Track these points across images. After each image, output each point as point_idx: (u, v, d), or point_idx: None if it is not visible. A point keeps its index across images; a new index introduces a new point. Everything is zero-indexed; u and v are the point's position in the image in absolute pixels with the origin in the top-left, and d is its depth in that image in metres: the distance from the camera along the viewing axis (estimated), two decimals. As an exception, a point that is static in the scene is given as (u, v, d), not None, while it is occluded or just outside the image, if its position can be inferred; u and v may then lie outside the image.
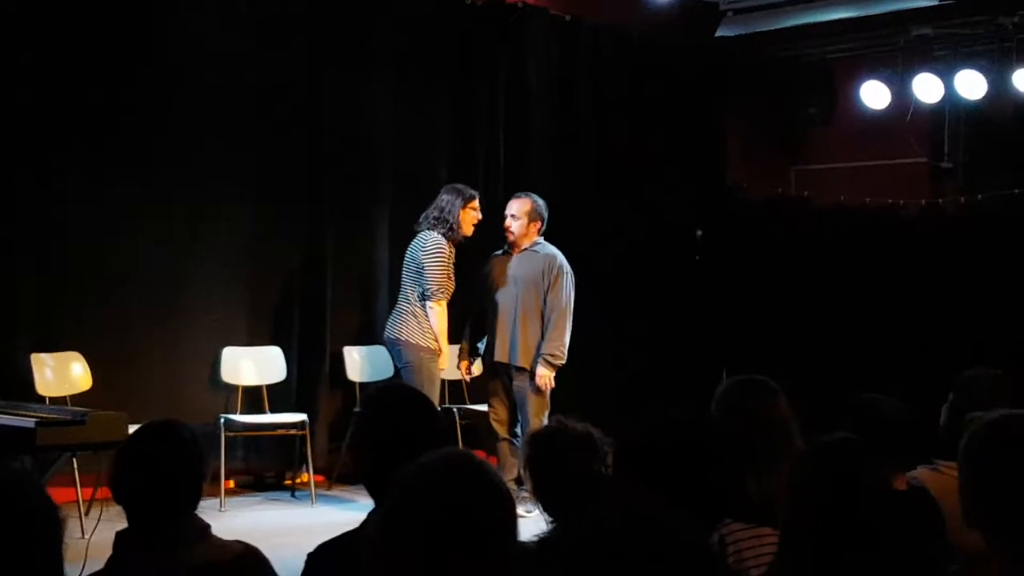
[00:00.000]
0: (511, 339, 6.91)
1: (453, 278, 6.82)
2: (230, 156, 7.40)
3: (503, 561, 1.75)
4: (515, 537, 1.83)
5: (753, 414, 3.09)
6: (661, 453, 2.26)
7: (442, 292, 6.72)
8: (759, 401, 3.13)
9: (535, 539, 1.11)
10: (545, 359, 6.83)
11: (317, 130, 7.79)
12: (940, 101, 8.90)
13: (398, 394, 2.87)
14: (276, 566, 2.68)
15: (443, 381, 7.12)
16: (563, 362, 6.89)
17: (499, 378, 7.04)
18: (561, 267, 6.92)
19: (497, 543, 1.77)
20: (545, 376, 6.83)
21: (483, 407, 7.62)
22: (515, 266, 6.98)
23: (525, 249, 6.99)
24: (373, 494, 2.58)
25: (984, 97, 8.69)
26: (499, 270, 7.02)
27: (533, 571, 1.11)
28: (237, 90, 7.41)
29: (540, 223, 7.00)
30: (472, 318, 7.20)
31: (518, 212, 6.97)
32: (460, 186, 6.96)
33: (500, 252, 7.13)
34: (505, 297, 6.95)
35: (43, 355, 6.70)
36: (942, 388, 3.77)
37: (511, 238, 6.98)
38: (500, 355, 6.94)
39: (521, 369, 6.89)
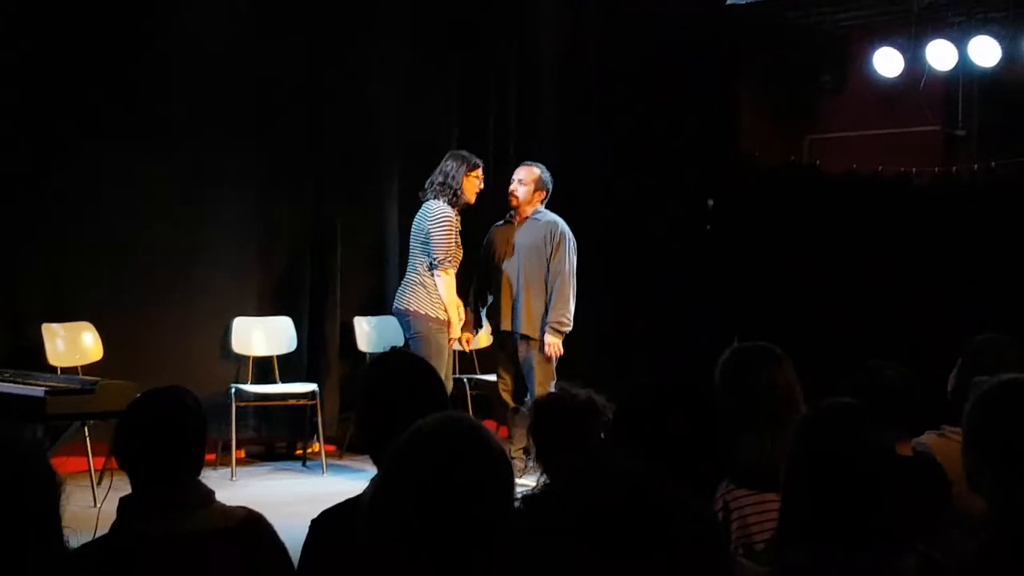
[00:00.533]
0: (515, 308, 6.89)
1: (461, 246, 6.79)
2: (237, 127, 7.40)
3: (498, 526, 1.74)
4: (511, 502, 1.83)
5: (756, 380, 3.09)
6: (655, 416, 2.26)
7: (449, 261, 6.69)
8: (763, 367, 3.13)
9: (520, 496, 1.11)
10: (552, 327, 6.81)
11: (324, 99, 7.77)
12: (954, 68, 8.81)
13: (397, 361, 2.87)
14: (285, 535, 2.69)
15: (453, 352, 7.12)
16: (569, 329, 6.87)
17: (504, 348, 7.04)
18: (563, 233, 6.89)
19: (492, 508, 1.77)
20: (554, 344, 6.81)
21: (494, 377, 7.63)
22: (518, 235, 6.95)
23: (527, 217, 6.97)
24: (375, 461, 2.58)
25: (998, 64, 8.60)
26: (502, 239, 6.99)
27: (521, 529, 1.10)
28: (242, 60, 7.39)
29: (545, 193, 6.98)
30: (474, 288, 7.17)
31: (525, 178, 6.95)
32: (464, 153, 6.93)
33: (501, 222, 7.10)
34: (508, 266, 6.93)
35: (54, 325, 6.73)
36: (953, 355, 3.75)
37: (515, 203, 6.95)
38: (504, 324, 6.93)
39: (525, 337, 6.87)
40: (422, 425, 1.85)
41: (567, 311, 6.85)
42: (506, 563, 1.12)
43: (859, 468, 2.18)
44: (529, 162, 7.11)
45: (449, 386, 6.71)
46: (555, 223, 6.93)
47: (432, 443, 1.82)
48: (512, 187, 6.97)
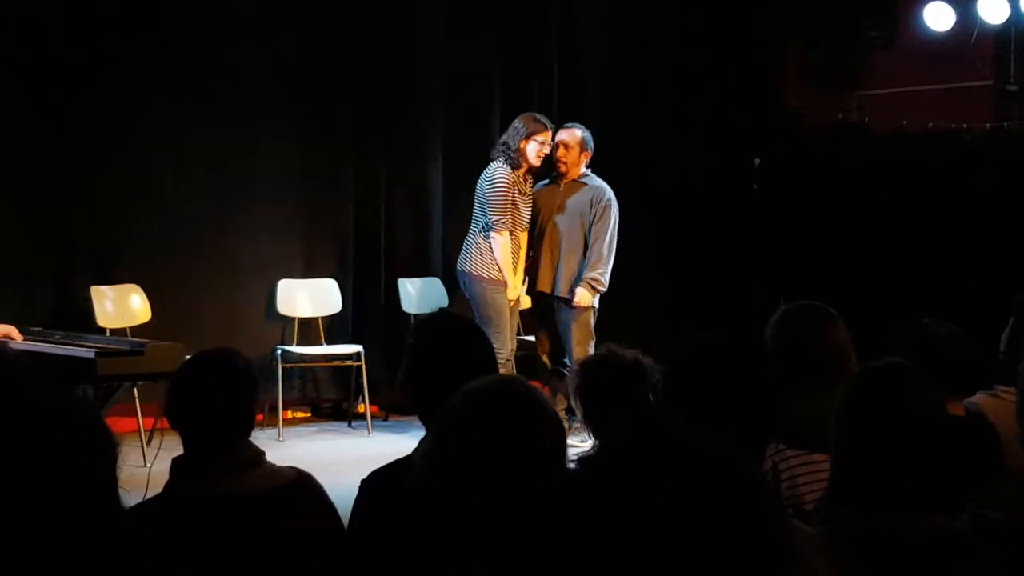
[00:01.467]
0: (557, 270, 6.86)
1: (520, 207, 6.74)
2: (279, 87, 7.42)
3: (551, 487, 1.74)
4: (563, 464, 1.82)
5: (809, 340, 3.06)
6: (705, 377, 2.24)
7: (503, 222, 6.64)
8: (816, 327, 3.10)
9: (575, 457, 1.10)
10: (588, 282, 6.74)
11: (366, 57, 7.76)
12: (1006, 22, 8.65)
13: (445, 322, 2.87)
14: (332, 494, 2.71)
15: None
16: (604, 289, 6.82)
17: (541, 309, 7.00)
18: (610, 200, 6.84)
19: (545, 469, 1.77)
20: (586, 297, 6.75)
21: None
22: (562, 196, 6.91)
23: (575, 180, 6.93)
24: (423, 421, 2.59)
25: (1052, 17, 8.44)
26: (547, 201, 6.93)
27: (575, 491, 1.10)
28: (285, 17, 7.39)
29: (589, 153, 6.93)
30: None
31: (570, 142, 6.87)
32: (534, 115, 6.84)
33: (547, 182, 7.02)
34: (552, 228, 6.88)
35: (103, 288, 6.80)
36: (1005, 314, 3.70)
37: (564, 168, 6.90)
38: (543, 285, 6.88)
39: (564, 299, 6.84)
40: (476, 386, 1.85)
41: (605, 271, 6.80)
42: (562, 524, 1.12)
43: (908, 429, 2.16)
44: (570, 124, 7.02)
45: (512, 346, 6.74)
46: (602, 189, 6.87)
47: (486, 404, 1.81)
48: (559, 153, 6.87)
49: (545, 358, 7.01)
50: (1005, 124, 8.81)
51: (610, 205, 6.84)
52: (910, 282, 8.31)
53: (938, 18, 8.88)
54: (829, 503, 2.27)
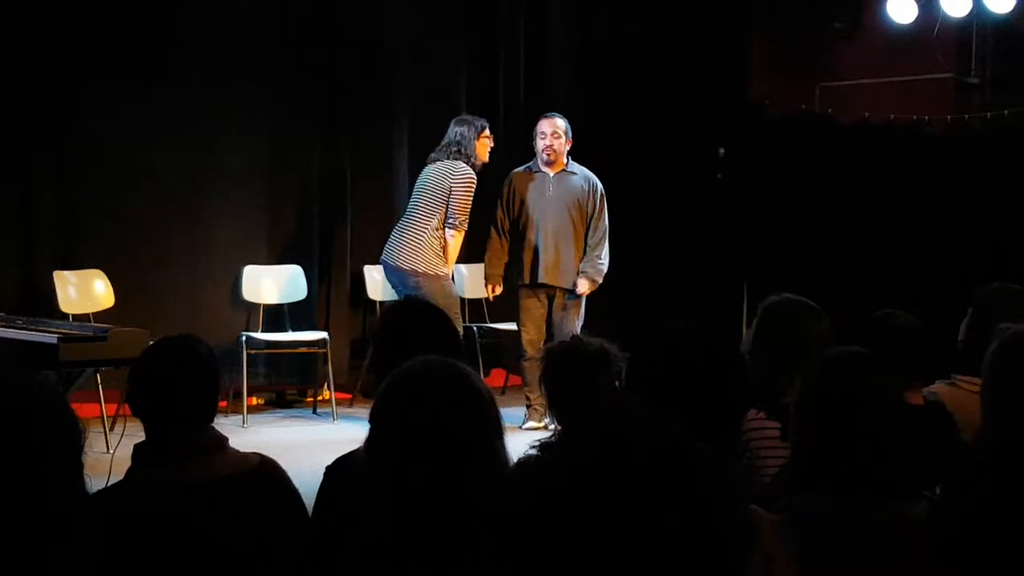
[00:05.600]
0: (563, 261, 6.86)
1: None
2: (248, 76, 7.38)
3: (492, 467, 1.76)
4: (498, 442, 1.85)
5: (793, 334, 3.09)
6: (667, 364, 2.26)
7: (465, 222, 6.71)
8: (801, 322, 3.14)
9: (536, 444, 1.11)
10: (590, 274, 6.86)
11: (334, 45, 7.72)
12: (968, 15, 8.73)
13: (413, 309, 2.88)
14: (296, 480, 2.71)
15: (463, 300, 7.11)
16: (600, 281, 6.97)
17: (537, 298, 6.96)
18: (603, 192, 6.94)
19: (479, 447, 1.79)
20: (590, 289, 6.87)
21: (504, 326, 7.64)
22: (555, 188, 6.90)
23: (562, 169, 6.93)
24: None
25: (1012, 10, 8.52)
26: (533, 190, 6.92)
27: (531, 476, 1.11)
28: (256, 8, 7.37)
29: (571, 142, 6.97)
30: (498, 238, 7.06)
31: (559, 131, 6.89)
32: (469, 116, 6.95)
33: (523, 170, 7.05)
34: (547, 218, 6.87)
35: (66, 273, 6.76)
36: (964, 305, 3.75)
37: (553, 156, 6.88)
38: (548, 277, 6.87)
39: (567, 290, 6.89)
40: (404, 367, 1.87)
41: (606, 263, 6.92)
42: (514, 509, 1.13)
43: (865, 416, 2.19)
44: (551, 113, 7.04)
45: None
46: (592, 178, 6.94)
47: (410, 384, 1.84)
48: (548, 143, 6.86)
49: (529, 347, 6.95)
50: (966, 116, 8.90)
51: (603, 196, 6.94)
52: (872, 272, 8.38)
53: (901, 10, 8.95)
54: (788, 489, 2.30)
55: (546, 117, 7.01)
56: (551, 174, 6.93)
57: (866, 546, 2.12)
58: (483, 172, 6.95)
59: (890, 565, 2.06)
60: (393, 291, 7.10)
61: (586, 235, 6.92)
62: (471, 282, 7.91)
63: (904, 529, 2.10)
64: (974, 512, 1.42)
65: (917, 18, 8.91)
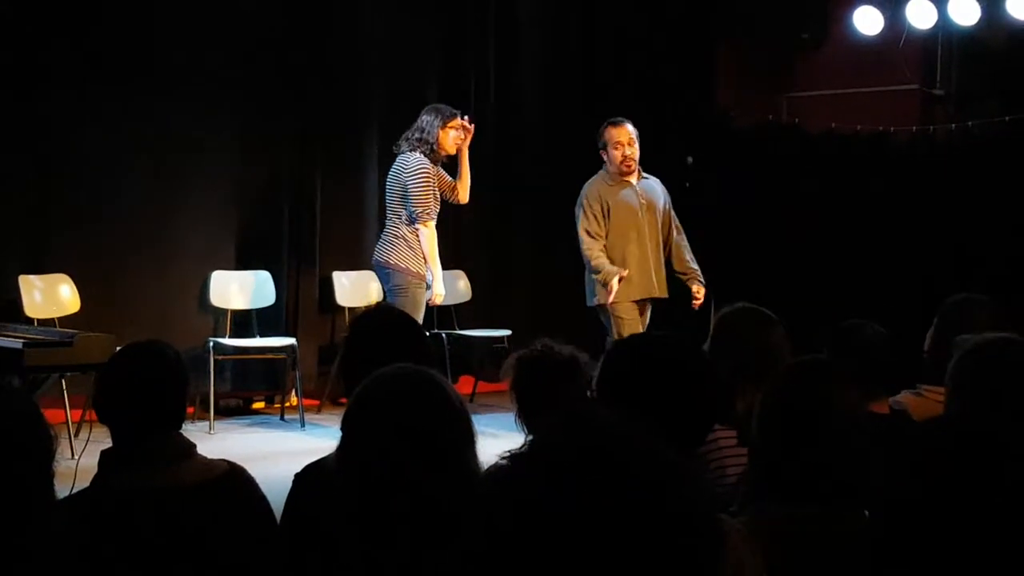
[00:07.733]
0: (663, 271, 6.70)
1: (439, 199, 6.73)
2: (219, 81, 7.34)
3: (461, 474, 1.76)
4: (470, 451, 1.86)
5: (748, 343, 3.12)
6: (637, 373, 2.27)
7: (428, 214, 6.61)
8: (755, 330, 3.16)
9: (506, 454, 1.12)
10: (698, 275, 6.73)
11: (303, 51, 7.71)
12: (933, 27, 8.82)
13: (384, 316, 2.88)
14: (264, 487, 2.69)
15: (432, 307, 7.09)
16: None
17: (639, 312, 6.61)
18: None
19: (450, 454, 1.80)
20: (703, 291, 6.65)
21: (473, 332, 7.64)
22: (642, 194, 6.65)
23: (641, 177, 6.71)
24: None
25: (977, 23, 8.62)
26: (633, 202, 6.60)
27: (502, 486, 1.11)
28: (229, 12, 7.34)
29: None
30: (602, 251, 6.55)
31: (635, 137, 6.61)
32: (440, 106, 6.85)
33: (602, 181, 6.62)
34: (644, 230, 6.59)
35: (31, 277, 6.70)
36: (929, 315, 3.78)
37: (632, 166, 6.59)
38: (658, 290, 6.63)
39: (660, 300, 6.69)
40: (376, 376, 1.88)
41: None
42: (483, 518, 1.14)
43: (826, 424, 2.21)
44: (620, 119, 6.68)
45: None
46: (658, 181, 6.81)
47: (381, 390, 1.85)
48: (625, 151, 6.54)
49: None
50: (931, 128, 8.99)
51: None
52: (838, 281, 8.45)
53: (867, 22, 9.03)
54: (751, 495, 2.32)
55: (616, 124, 6.62)
56: (635, 183, 6.66)
57: (829, 552, 2.13)
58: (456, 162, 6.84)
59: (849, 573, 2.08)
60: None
61: (666, 240, 6.73)
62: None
63: (868, 536, 2.12)
64: (920, 503, 1.42)
65: (883, 29, 8.99)
